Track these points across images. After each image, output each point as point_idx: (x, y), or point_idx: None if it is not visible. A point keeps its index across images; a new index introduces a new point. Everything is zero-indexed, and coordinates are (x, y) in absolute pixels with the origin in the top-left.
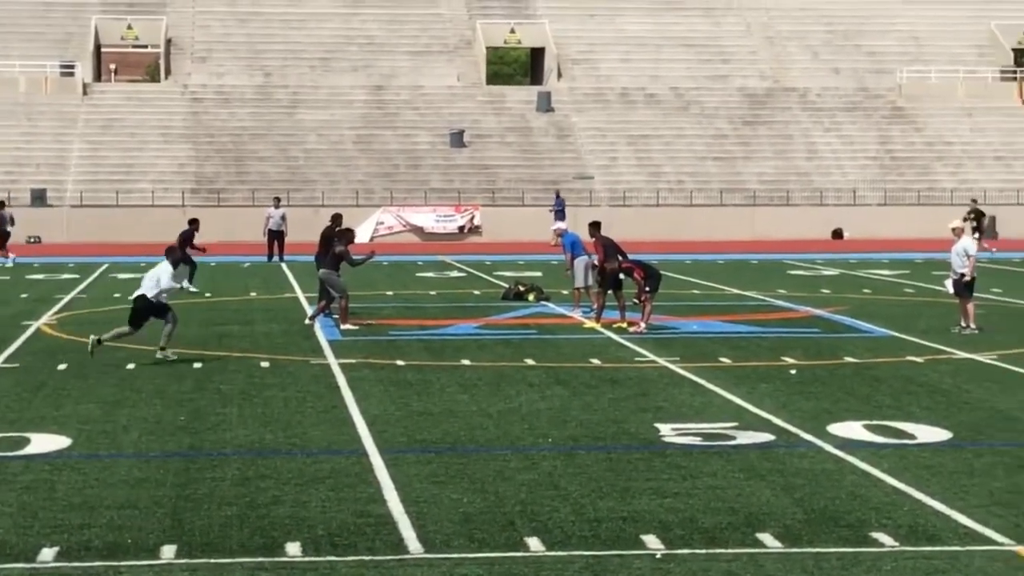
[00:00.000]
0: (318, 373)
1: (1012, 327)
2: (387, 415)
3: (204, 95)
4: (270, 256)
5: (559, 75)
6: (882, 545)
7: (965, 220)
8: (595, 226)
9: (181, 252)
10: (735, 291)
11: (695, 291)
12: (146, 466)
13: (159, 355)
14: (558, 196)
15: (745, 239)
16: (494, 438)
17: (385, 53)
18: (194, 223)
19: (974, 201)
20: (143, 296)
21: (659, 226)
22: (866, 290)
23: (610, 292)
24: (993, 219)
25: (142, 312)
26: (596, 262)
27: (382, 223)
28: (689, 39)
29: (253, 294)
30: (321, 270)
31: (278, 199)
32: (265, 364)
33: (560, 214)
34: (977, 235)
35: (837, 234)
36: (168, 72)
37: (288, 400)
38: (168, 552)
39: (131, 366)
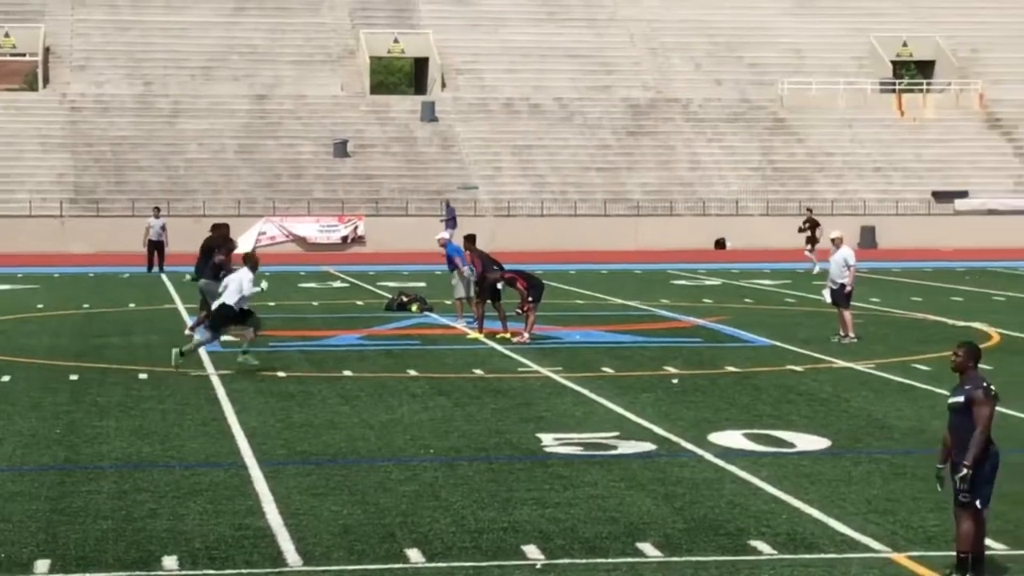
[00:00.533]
0: (197, 385)
1: (890, 336)
2: (267, 427)
3: (83, 104)
4: (150, 267)
5: (443, 85)
6: (760, 553)
7: (800, 231)
8: (470, 239)
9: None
10: (618, 301)
11: (579, 301)
12: (20, 479)
13: (240, 359)
14: (448, 205)
15: (629, 249)
16: (375, 449)
17: (268, 62)
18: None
19: (809, 210)
20: (226, 304)
21: (543, 236)
22: (748, 300)
23: (490, 302)
24: (873, 229)
25: (226, 319)
26: (470, 274)
27: (264, 233)
28: (573, 50)
29: (132, 305)
30: (201, 280)
31: (158, 209)
32: (144, 376)
33: (451, 222)
34: (810, 246)
35: (720, 244)
36: (46, 81)
37: (166, 412)
38: (42, 567)
39: (6, 378)
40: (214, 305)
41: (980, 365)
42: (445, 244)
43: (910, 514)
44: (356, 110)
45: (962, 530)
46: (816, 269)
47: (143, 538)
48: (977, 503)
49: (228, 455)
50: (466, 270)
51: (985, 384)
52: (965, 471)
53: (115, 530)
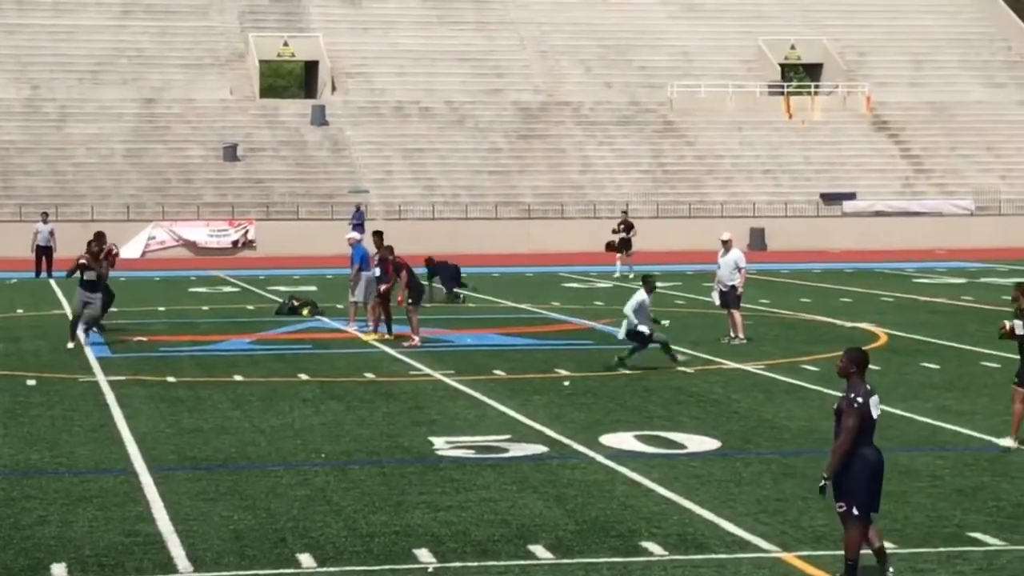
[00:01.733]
0: (86, 391)
1: (779, 337)
2: (157, 432)
3: None
4: (38, 272)
5: (333, 88)
6: (652, 554)
7: (615, 232)
8: (379, 235)
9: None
10: (510, 303)
11: (470, 304)
12: None
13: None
14: (358, 209)
15: (520, 252)
16: (266, 454)
17: (156, 66)
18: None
19: (624, 212)
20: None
21: (434, 239)
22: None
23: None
24: (762, 231)
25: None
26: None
27: (154, 238)
28: (463, 53)
29: (20, 311)
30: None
31: (46, 214)
32: (32, 382)
33: (359, 228)
34: (626, 250)
35: (610, 246)
36: None
37: (55, 419)
38: None
39: None
40: None
41: (871, 366)
42: (354, 245)
43: (800, 514)
44: (246, 114)
45: (846, 537)
46: (631, 274)
47: (31, 545)
48: (853, 510)
49: (118, 461)
50: (375, 271)
51: (853, 395)
52: (822, 482)
53: (2, 538)
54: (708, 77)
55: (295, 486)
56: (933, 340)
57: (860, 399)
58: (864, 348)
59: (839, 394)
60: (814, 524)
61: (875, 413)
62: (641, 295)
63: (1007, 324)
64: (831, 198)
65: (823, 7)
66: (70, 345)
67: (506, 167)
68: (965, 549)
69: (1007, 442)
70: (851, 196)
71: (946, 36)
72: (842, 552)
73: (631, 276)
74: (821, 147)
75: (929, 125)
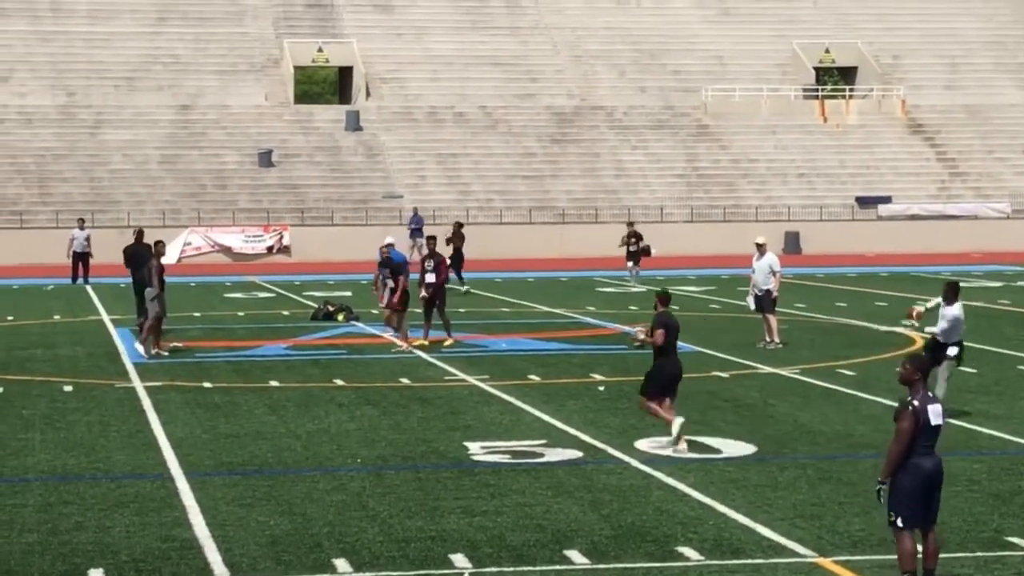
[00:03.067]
0: (123, 396)
1: (814, 341)
2: (193, 438)
3: (5, 115)
4: (75, 278)
5: (367, 94)
6: (688, 559)
7: (622, 245)
8: (433, 239)
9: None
10: (544, 308)
11: (504, 309)
12: None
13: None
14: (416, 213)
15: (554, 256)
16: (302, 459)
17: (191, 72)
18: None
19: (631, 224)
20: None
21: (468, 244)
22: (673, 306)
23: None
24: (797, 235)
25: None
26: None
27: (190, 244)
28: (496, 58)
29: (57, 317)
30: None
31: (83, 220)
32: (68, 388)
33: (418, 232)
34: (630, 262)
35: (645, 251)
36: None
37: (92, 424)
38: None
39: None
40: None
41: None
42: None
43: (836, 519)
44: (280, 120)
45: (900, 549)
46: (636, 287)
47: (69, 551)
48: (898, 522)
49: (154, 466)
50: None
51: (910, 398)
52: (878, 486)
53: (41, 543)
54: (742, 81)
55: (331, 491)
56: (969, 344)
57: (916, 402)
58: (923, 355)
59: (875, 399)
60: (851, 529)
61: (935, 421)
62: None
63: None
64: (866, 202)
65: (857, 10)
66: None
67: (540, 172)
68: (1003, 554)
69: None
70: (886, 200)
71: (981, 39)
72: (882, 557)
73: (634, 284)
74: (856, 150)
75: (964, 128)
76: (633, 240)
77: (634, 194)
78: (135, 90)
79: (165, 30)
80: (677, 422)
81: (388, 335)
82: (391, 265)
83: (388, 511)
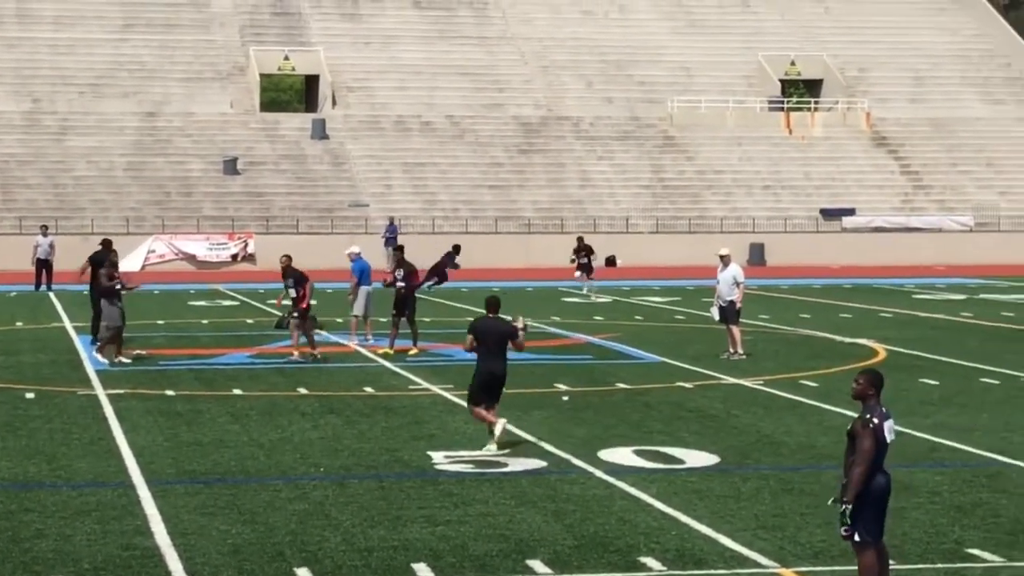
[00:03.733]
0: (85, 404)
1: (778, 353)
2: (155, 446)
3: None
4: (38, 285)
5: (334, 102)
6: (650, 570)
7: (572, 261)
8: (400, 250)
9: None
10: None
11: (470, 318)
12: None
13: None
14: (391, 223)
15: (520, 266)
16: (265, 468)
17: (157, 79)
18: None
19: (580, 239)
20: None
21: (434, 253)
22: (638, 317)
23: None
24: (762, 246)
25: None
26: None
27: (154, 251)
28: (464, 67)
29: (19, 324)
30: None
31: (46, 227)
32: (30, 395)
33: (392, 240)
34: (579, 273)
35: (610, 261)
36: None
37: (53, 432)
38: None
39: None
40: None
41: None
42: (355, 259)
43: (798, 530)
44: (246, 127)
45: (859, 564)
46: (591, 296)
47: (30, 559)
48: (856, 536)
49: (116, 474)
50: (364, 290)
51: (868, 416)
52: (843, 507)
53: (1, 551)
54: (708, 92)
55: (293, 500)
56: (932, 356)
57: (876, 420)
58: (878, 370)
59: (837, 410)
60: (812, 540)
61: (889, 437)
62: None
63: None
64: (831, 214)
65: (823, 23)
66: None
67: (506, 181)
68: (964, 566)
69: None
70: (851, 212)
71: (946, 52)
72: (843, 568)
73: (591, 295)
74: (821, 163)
75: (928, 141)
76: (583, 253)
77: (599, 205)
78: (100, 97)
79: (131, 37)
80: (500, 423)
81: (352, 344)
82: (294, 274)
83: (351, 520)
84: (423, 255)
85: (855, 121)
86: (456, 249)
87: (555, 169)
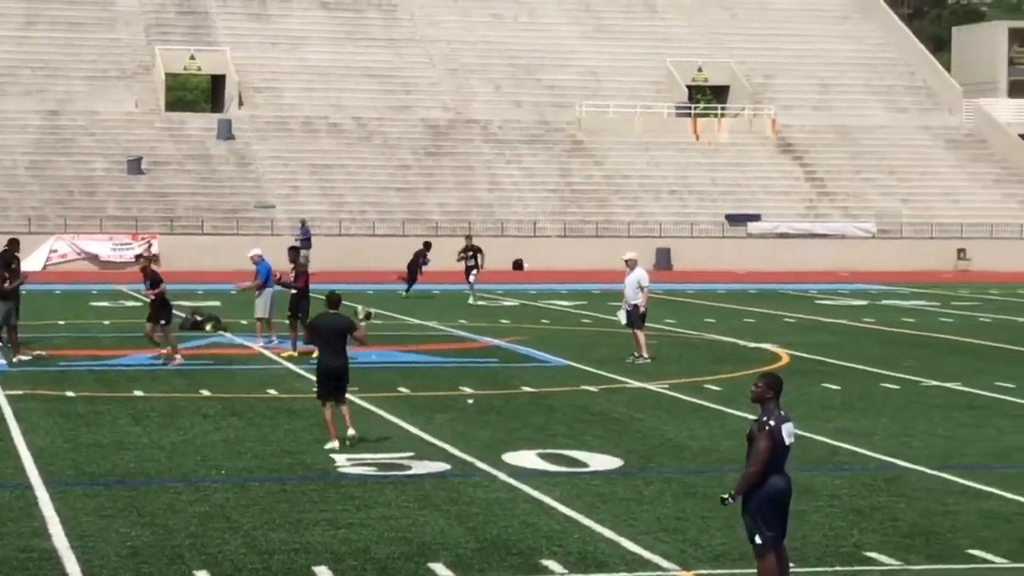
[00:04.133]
0: None
1: (682, 357)
2: (54, 447)
3: None
4: None
5: (240, 103)
6: (552, 572)
7: (460, 260)
8: (295, 250)
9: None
10: (416, 321)
11: (376, 321)
12: None
13: None
14: (303, 224)
15: (427, 269)
16: (165, 470)
17: (60, 77)
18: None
19: (468, 238)
20: None
21: (341, 255)
22: (544, 320)
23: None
24: (668, 251)
25: None
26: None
27: (56, 251)
28: (372, 69)
29: None
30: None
31: None
32: None
33: (306, 242)
34: (475, 272)
35: (517, 265)
36: None
37: None
38: None
39: None
40: None
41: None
42: (258, 261)
43: (699, 532)
44: (151, 127)
45: (758, 567)
46: (471, 299)
47: None
48: (756, 539)
49: (13, 476)
50: (268, 292)
51: (766, 418)
52: (727, 496)
53: None
54: (616, 97)
55: (194, 503)
56: (834, 361)
57: (772, 422)
58: (778, 374)
59: (740, 414)
60: (713, 543)
61: (788, 440)
62: None
63: None
64: (736, 219)
65: (730, 30)
66: (21, 356)
67: (414, 184)
68: (862, 568)
69: None
70: (756, 218)
71: (851, 61)
72: (743, 571)
73: (472, 296)
74: (727, 168)
75: (833, 148)
76: (470, 254)
77: (508, 208)
78: (2, 94)
79: (34, 34)
80: (331, 445)
81: (257, 346)
82: (153, 278)
83: (252, 523)
84: (328, 256)
85: (761, 127)
86: (427, 246)
87: (463, 172)
